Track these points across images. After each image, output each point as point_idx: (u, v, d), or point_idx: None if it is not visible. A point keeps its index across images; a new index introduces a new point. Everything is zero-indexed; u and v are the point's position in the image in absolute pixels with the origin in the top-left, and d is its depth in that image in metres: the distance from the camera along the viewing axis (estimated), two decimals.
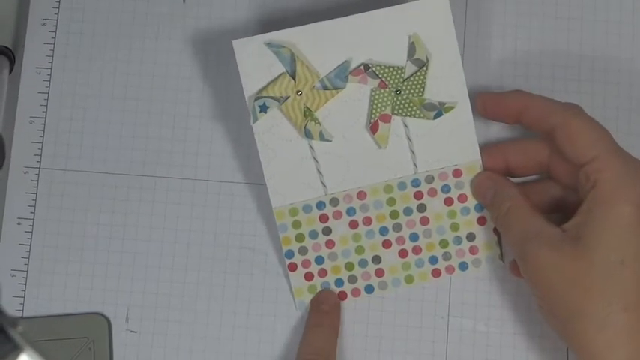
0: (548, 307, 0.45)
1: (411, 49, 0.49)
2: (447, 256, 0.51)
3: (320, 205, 0.50)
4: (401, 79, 0.49)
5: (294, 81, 0.49)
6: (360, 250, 0.51)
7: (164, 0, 0.56)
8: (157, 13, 0.56)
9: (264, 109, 0.49)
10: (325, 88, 0.49)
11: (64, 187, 0.55)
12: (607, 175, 0.44)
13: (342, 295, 0.51)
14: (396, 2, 0.49)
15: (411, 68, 0.49)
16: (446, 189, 0.50)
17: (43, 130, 0.55)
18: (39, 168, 0.55)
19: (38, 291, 0.54)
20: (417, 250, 0.51)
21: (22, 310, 0.53)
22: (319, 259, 0.51)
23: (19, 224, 0.54)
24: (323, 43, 0.49)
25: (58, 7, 0.56)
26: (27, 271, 0.54)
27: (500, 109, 0.50)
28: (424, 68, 0.49)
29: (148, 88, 0.55)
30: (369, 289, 0.51)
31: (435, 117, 0.49)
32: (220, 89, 0.55)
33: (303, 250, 0.51)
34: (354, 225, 0.51)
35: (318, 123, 0.49)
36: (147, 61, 0.56)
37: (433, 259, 0.51)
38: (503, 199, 0.48)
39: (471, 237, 0.51)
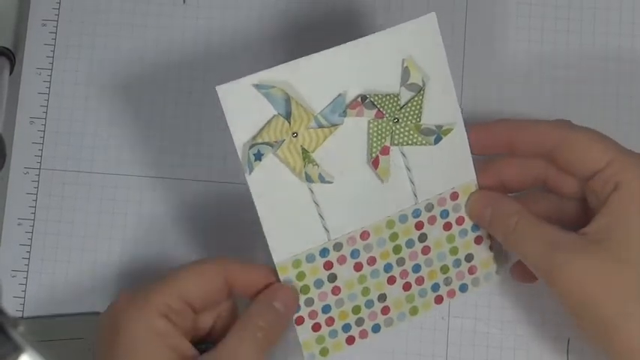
0: (584, 315, 0.44)
1: (405, 73, 0.46)
2: (447, 281, 0.50)
3: (324, 252, 0.47)
4: (398, 107, 0.46)
5: (289, 123, 0.45)
6: (365, 291, 0.48)
7: (164, 0, 0.56)
8: (157, 13, 0.56)
9: (258, 157, 0.45)
10: (321, 126, 0.45)
11: (64, 188, 0.55)
12: (629, 175, 0.44)
13: (350, 340, 0.49)
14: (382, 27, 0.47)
15: (405, 94, 0.46)
16: (445, 214, 0.49)
17: (44, 131, 0.55)
18: (39, 168, 0.55)
19: (38, 291, 0.54)
20: (419, 281, 0.49)
21: (23, 311, 0.53)
22: (326, 308, 0.48)
23: (19, 225, 0.54)
24: (315, 78, 0.45)
25: (58, 8, 0.56)
26: (27, 271, 0.54)
27: (490, 142, 0.48)
28: (421, 92, 0.46)
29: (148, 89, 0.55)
30: (376, 328, 0.49)
31: (436, 142, 0.47)
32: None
33: (309, 302, 0.48)
34: (358, 267, 0.48)
35: (317, 164, 0.46)
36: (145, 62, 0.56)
37: (435, 287, 0.50)
38: (506, 215, 0.47)
39: (469, 258, 0.50)
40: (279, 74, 0.44)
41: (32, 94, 0.56)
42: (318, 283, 0.48)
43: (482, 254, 0.50)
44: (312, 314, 0.48)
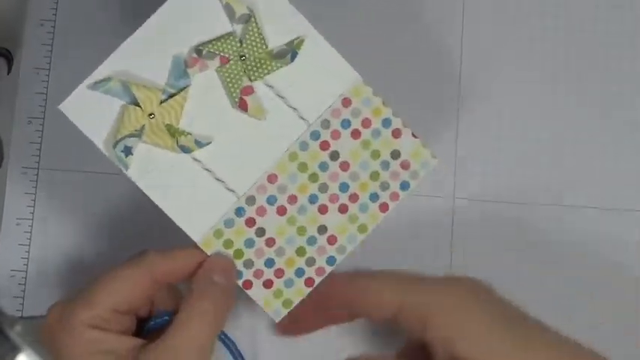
0: None
1: (228, 9, 0.45)
2: (384, 186, 0.47)
3: (239, 211, 0.46)
4: (238, 45, 0.45)
5: (140, 107, 0.45)
6: (301, 230, 0.47)
7: (163, 1, 0.56)
8: (155, 11, 0.56)
9: (127, 151, 0.45)
10: (171, 95, 0.45)
11: (62, 188, 0.55)
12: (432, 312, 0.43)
13: (309, 282, 0.48)
14: None
15: (240, 28, 0.45)
16: (346, 124, 0.47)
17: (42, 131, 0.55)
18: (37, 168, 0.55)
19: (37, 291, 0.54)
20: (354, 198, 0.47)
21: (22, 311, 0.53)
22: (269, 263, 0.47)
23: (17, 224, 0.54)
24: (143, 54, 0.45)
25: (56, 8, 0.56)
26: (26, 271, 0.54)
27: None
28: (252, 20, 0.45)
29: None
30: (331, 260, 0.48)
31: (292, 59, 0.46)
32: None
33: (249, 264, 0.47)
34: (282, 211, 0.47)
35: (188, 133, 0.45)
36: None
37: (374, 197, 0.47)
38: None
39: (395, 154, 0.47)
40: (110, 66, 0.45)
41: (30, 93, 0.56)
42: (249, 243, 0.47)
43: (409, 145, 0.47)
44: (258, 273, 0.47)
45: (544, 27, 0.55)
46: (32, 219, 0.55)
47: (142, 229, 0.54)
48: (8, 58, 0.54)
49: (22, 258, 0.54)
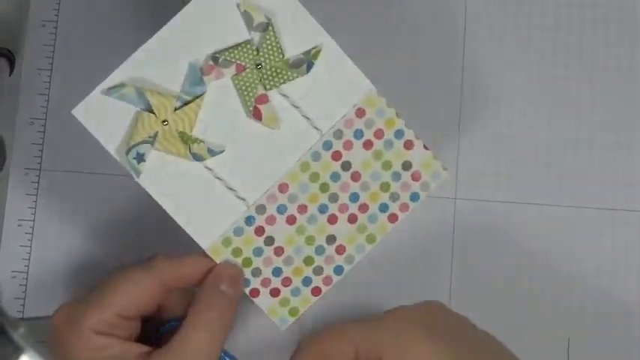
0: None
1: (246, 17, 0.45)
2: (394, 197, 0.47)
3: (249, 220, 0.46)
4: (254, 53, 0.45)
5: (154, 114, 0.44)
6: (310, 240, 0.47)
7: (164, 1, 0.56)
8: (156, 13, 0.56)
9: (140, 158, 0.45)
10: (186, 102, 0.45)
11: (64, 189, 0.55)
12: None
13: (316, 291, 0.48)
14: None
15: (257, 37, 0.45)
16: (359, 134, 0.47)
17: (44, 132, 0.55)
18: (39, 169, 0.55)
19: (39, 292, 0.54)
20: (364, 209, 0.47)
21: (23, 312, 0.53)
22: (277, 272, 0.47)
23: (19, 226, 0.54)
24: (160, 61, 0.44)
25: (58, 9, 0.56)
26: (27, 272, 0.54)
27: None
28: (270, 29, 0.45)
29: None
30: (339, 270, 0.48)
31: (308, 69, 0.45)
32: None
33: (256, 272, 0.47)
34: (291, 220, 0.47)
35: (201, 141, 0.45)
36: None
37: (383, 207, 0.47)
38: None
39: (407, 166, 0.47)
40: (125, 72, 0.44)
41: (32, 94, 0.56)
42: (258, 252, 0.47)
43: (421, 157, 0.47)
44: (265, 282, 0.47)
45: (543, 27, 0.55)
46: (33, 220, 0.55)
47: (144, 230, 0.54)
48: (10, 59, 0.54)
49: (24, 259, 0.54)
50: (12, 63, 0.54)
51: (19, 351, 0.32)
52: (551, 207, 0.54)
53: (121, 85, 0.44)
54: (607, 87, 0.54)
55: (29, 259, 0.54)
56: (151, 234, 0.54)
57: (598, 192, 0.54)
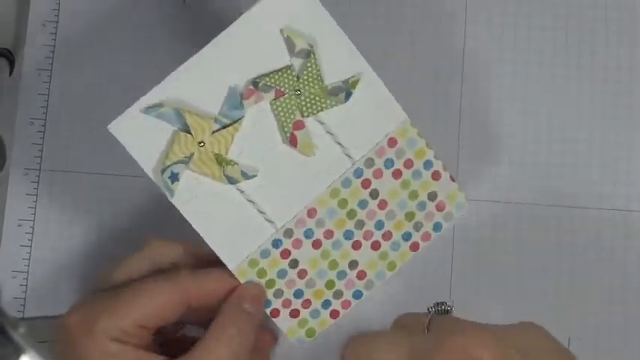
0: None
1: (289, 43, 0.45)
2: (418, 227, 0.48)
3: (276, 243, 0.47)
4: (295, 79, 0.45)
5: (191, 135, 0.44)
6: (333, 264, 0.48)
7: (164, 1, 0.56)
8: (156, 14, 0.56)
9: (174, 178, 0.44)
10: (224, 125, 0.45)
11: (64, 189, 0.55)
12: None
13: (334, 314, 0.48)
14: None
15: (298, 63, 0.45)
16: (389, 163, 0.47)
17: (43, 132, 0.55)
18: (39, 169, 0.55)
19: (39, 292, 0.54)
20: (387, 236, 0.48)
21: (23, 312, 0.53)
22: (298, 293, 0.48)
23: (19, 226, 0.54)
24: (199, 82, 0.44)
25: (58, 9, 0.56)
26: (27, 272, 0.54)
27: None
28: (312, 56, 0.45)
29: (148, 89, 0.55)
30: (357, 294, 0.48)
31: (347, 98, 0.46)
32: None
33: (278, 294, 0.47)
34: (317, 245, 0.47)
35: (235, 164, 0.45)
36: (146, 62, 0.56)
37: (407, 236, 0.48)
38: None
39: (432, 196, 0.48)
40: (164, 91, 0.44)
41: (32, 94, 0.56)
42: (282, 274, 0.47)
43: (446, 188, 0.48)
44: (286, 303, 0.48)
45: (543, 27, 0.55)
46: (34, 220, 0.55)
47: (144, 230, 0.54)
48: (10, 59, 0.54)
49: (24, 259, 0.54)
50: (12, 63, 0.55)
51: (19, 351, 0.32)
52: (551, 207, 0.54)
53: (159, 105, 0.44)
54: (607, 87, 0.54)
55: (29, 259, 0.54)
56: (152, 233, 0.54)
57: (598, 192, 0.54)
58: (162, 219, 0.55)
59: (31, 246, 0.54)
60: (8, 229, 0.54)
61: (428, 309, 0.41)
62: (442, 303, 0.41)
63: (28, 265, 0.54)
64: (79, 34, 0.56)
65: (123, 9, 0.56)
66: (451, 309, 0.41)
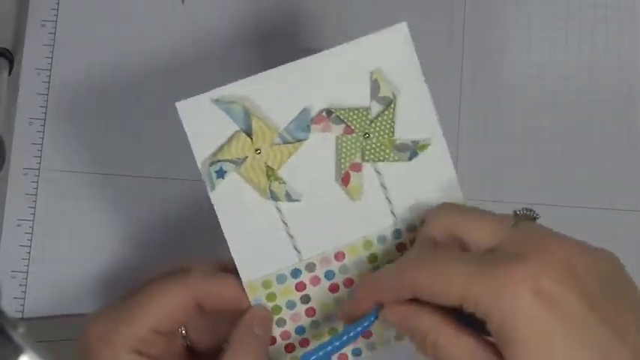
0: None
1: (374, 86, 0.44)
2: None
3: (295, 272, 0.45)
4: (367, 122, 0.44)
5: (251, 139, 0.44)
6: None
7: (164, 1, 0.56)
8: (156, 14, 0.56)
9: (221, 174, 0.44)
10: (286, 142, 0.44)
11: (63, 189, 0.55)
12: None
13: None
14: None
15: (376, 108, 0.44)
16: None
17: (43, 132, 0.55)
18: (38, 169, 0.55)
19: (38, 292, 0.54)
20: None
21: (23, 312, 0.53)
22: (300, 330, 0.46)
23: (18, 226, 0.54)
24: (277, 93, 0.44)
25: (57, 9, 0.56)
26: (27, 272, 0.54)
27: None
28: (392, 106, 0.44)
29: (150, 88, 0.55)
30: (357, 352, 0.46)
31: (410, 158, 0.45)
32: None
33: (281, 323, 0.46)
34: (334, 289, 0.46)
35: (283, 182, 0.44)
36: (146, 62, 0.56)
37: None
38: (423, 333, 0.40)
39: None
40: (240, 89, 0.43)
41: (31, 94, 0.56)
42: (291, 305, 0.46)
43: None
44: (285, 334, 0.46)
45: (544, 27, 0.55)
46: (33, 220, 0.55)
47: (144, 229, 0.54)
48: (9, 58, 0.54)
49: (23, 259, 0.54)
50: (11, 62, 0.54)
51: (18, 351, 0.32)
52: (551, 207, 0.54)
53: (232, 101, 0.43)
54: (607, 87, 0.54)
55: (29, 259, 0.54)
56: (152, 233, 0.54)
57: (598, 192, 0.54)
58: (162, 219, 0.55)
59: (30, 246, 0.54)
60: (8, 229, 0.54)
61: (515, 212, 0.41)
62: (530, 209, 0.41)
63: (28, 265, 0.54)
64: (79, 34, 0.56)
65: (122, 9, 0.56)
66: (538, 216, 0.41)
